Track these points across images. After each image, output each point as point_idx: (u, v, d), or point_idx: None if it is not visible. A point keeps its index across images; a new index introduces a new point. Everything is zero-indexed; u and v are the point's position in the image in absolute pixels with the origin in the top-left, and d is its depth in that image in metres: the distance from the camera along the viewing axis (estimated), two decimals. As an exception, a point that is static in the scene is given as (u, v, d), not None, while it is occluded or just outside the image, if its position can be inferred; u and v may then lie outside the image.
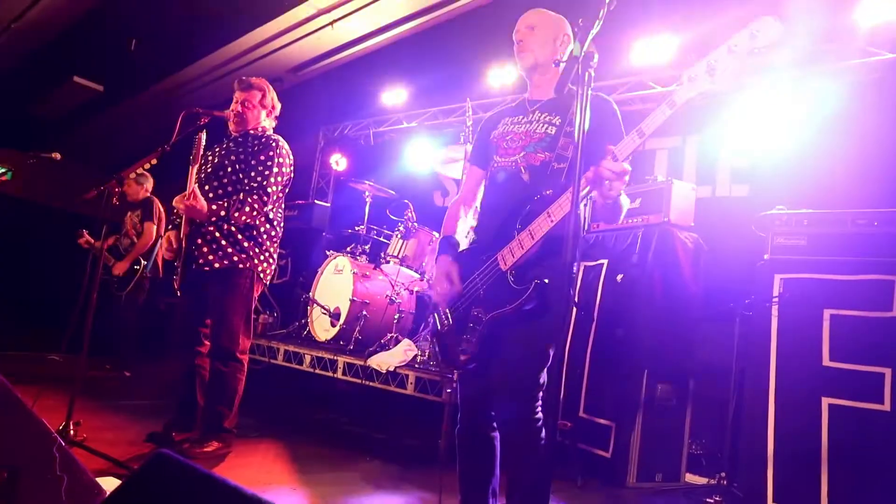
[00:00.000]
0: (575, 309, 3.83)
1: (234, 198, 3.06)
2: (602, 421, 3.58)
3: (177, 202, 2.95)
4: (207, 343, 3.21)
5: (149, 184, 5.60)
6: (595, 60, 1.44)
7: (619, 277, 3.80)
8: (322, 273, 5.16)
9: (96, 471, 2.47)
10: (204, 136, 3.04)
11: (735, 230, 4.03)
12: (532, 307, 1.86)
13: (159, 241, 5.30)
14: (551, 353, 1.93)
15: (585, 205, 2.15)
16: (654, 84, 5.19)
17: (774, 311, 3.10)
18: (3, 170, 4.37)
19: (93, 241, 5.35)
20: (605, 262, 3.90)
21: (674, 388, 3.62)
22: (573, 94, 2.14)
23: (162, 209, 5.49)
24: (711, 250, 3.91)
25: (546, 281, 1.84)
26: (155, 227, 5.37)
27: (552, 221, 1.82)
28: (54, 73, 6.92)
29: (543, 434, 1.93)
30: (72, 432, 2.69)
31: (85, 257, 5.02)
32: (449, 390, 3.51)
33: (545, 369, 1.95)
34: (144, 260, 5.31)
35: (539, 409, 1.94)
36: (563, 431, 3.50)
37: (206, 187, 3.13)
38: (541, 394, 1.95)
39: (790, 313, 3.02)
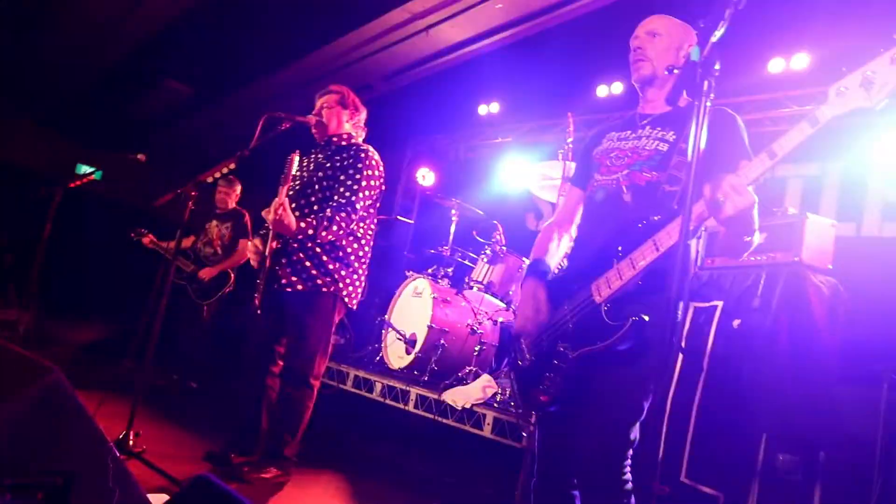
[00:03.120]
0: (682, 355, 3.65)
1: (321, 215, 3.11)
2: (707, 490, 3.34)
3: (265, 214, 3.03)
4: (281, 363, 3.31)
5: (238, 189, 5.89)
6: (717, 68, 1.35)
7: (736, 323, 3.58)
8: (400, 295, 5.22)
9: (151, 487, 2.58)
10: (297, 158, 3.12)
11: (886, 277, 3.73)
12: (627, 347, 1.77)
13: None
14: (646, 404, 1.83)
15: (699, 237, 2.03)
16: (790, 103, 4.92)
17: (935, 378, 2.81)
18: (92, 169, 4.76)
19: (159, 241, 5.61)
20: (720, 303, 3.69)
21: (799, 459, 3.33)
22: (692, 108, 2.05)
23: (251, 224, 5.74)
24: (854, 299, 3.60)
25: (646, 318, 1.74)
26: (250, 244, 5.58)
27: (658, 251, 1.73)
28: (147, 75, 7.53)
29: (633, 500, 1.82)
30: (131, 443, 2.84)
31: (159, 260, 5.33)
32: (525, 434, 3.42)
33: (638, 423, 1.84)
34: (233, 274, 5.56)
35: (628, 469, 1.83)
36: (659, 498, 3.30)
37: (293, 205, 3.20)
38: (631, 451, 1.84)
39: (956, 381, 2.72)
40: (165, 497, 2.47)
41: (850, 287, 3.61)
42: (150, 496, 2.29)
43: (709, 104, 1.37)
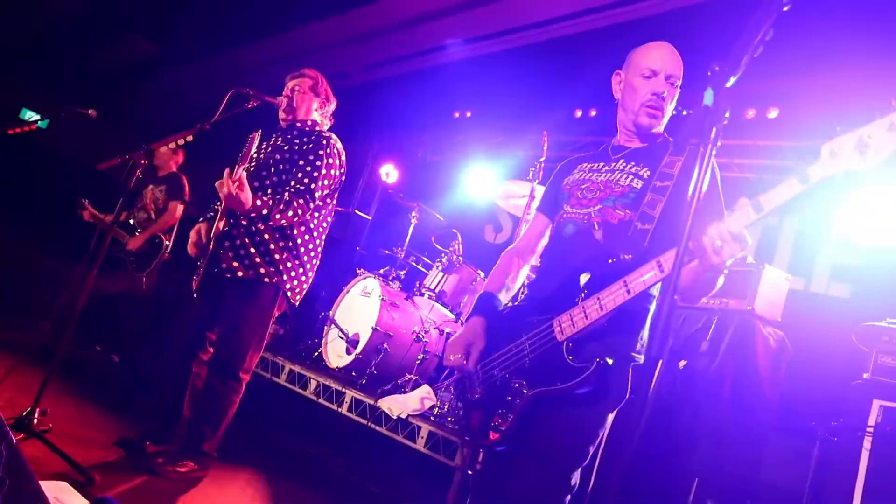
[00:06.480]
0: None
1: (278, 198, 2.95)
2: (634, 530, 3.30)
3: (219, 186, 2.80)
4: (212, 350, 3.11)
5: (179, 158, 5.60)
6: (727, 116, 1.27)
7: (682, 364, 3.57)
8: (347, 292, 5.04)
9: (50, 473, 2.36)
10: (258, 136, 2.95)
11: (830, 336, 3.76)
12: (587, 391, 1.66)
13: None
14: (592, 450, 1.76)
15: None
16: (760, 153, 4.96)
17: (867, 443, 2.82)
18: (38, 117, 4.41)
19: (98, 214, 5.30)
20: (668, 342, 3.66)
21: (726, 507, 3.32)
22: (667, 144, 1.96)
23: (188, 189, 5.46)
24: (798, 354, 3.63)
25: (609, 362, 1.64)
26: (182, 207, 5.33)
27: (629, 293, 1.63)
28: (112, 28, 7.14)
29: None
30: (36, 421, 2.58)
31: (92, 229, 5.00)
32: (459, 454, 3.30)
33: (580, 469, 1.76)
34: (166, 240, 5.26)
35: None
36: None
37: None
38: (569, 497, 1.75)
39: (888, 450, 2.73)
40: (63, 484, 2.25)
41: (794, 342, 3.64)
42: (47, 483, 2.08)
43: (714, 153, 1.26)
